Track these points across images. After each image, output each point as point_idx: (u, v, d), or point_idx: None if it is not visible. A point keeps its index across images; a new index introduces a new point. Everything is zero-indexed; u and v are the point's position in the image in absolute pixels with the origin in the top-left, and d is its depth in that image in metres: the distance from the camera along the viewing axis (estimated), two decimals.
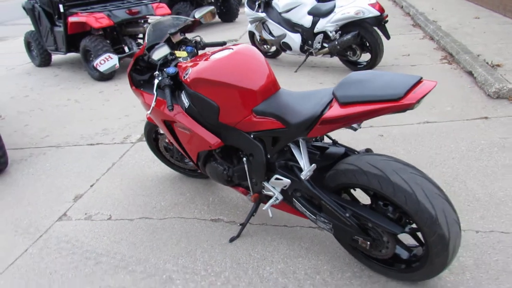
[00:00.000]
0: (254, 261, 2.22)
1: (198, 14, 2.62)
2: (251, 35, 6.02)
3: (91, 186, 3.11)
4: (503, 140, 3.15)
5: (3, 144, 3.29)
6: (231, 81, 1.98)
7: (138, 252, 2.36)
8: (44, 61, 6.79)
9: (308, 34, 5.15)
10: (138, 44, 6.15)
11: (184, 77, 2.15)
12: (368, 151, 2.06)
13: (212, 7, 2.66)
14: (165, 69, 2.27)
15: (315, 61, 5.70)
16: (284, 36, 5.35)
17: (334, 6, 4.81)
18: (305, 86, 4.81)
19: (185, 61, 2.32)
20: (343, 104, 1.68)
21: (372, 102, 1.59)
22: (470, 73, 4.57)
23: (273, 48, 5.90)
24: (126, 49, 5.94)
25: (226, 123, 2.08)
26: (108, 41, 5.78)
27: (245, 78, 1.98)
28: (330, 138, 2.16)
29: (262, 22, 5.61)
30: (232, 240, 2.38)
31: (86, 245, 2.46)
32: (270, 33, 5.57)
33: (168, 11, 6.39)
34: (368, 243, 1.84)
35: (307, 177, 1.88)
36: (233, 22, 9.42)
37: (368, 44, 4.78)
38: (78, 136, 4.03)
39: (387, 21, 4.68)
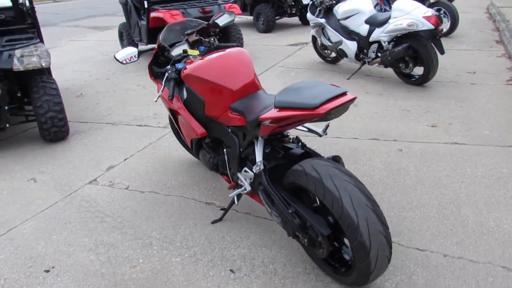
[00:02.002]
0: (224, 243, 2.47)
1: (220, 22, 2.93)
2: (314, 39, 6.17)
3: (125, 160, 3.61)
4: None
5: (66, 116, 3.94)
6: (213, 79, 2.25)
7: (136, 219, 2.76)
8: None
9: (364, 43, 5.16)
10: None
11: (183, 72, 2.47)
12: (335, 159, 2.18)
13: (232, 18, 2.95)
14: (176, 64, 2.61)
15: (372, 70, 5.66)
16: (340, 43, 5.42)
17: (389, 17, 4.77)
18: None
19: (194, 59, 2.64)
20: (277, 108, 1.85)
21: (295, 109, 1.75)
22: None
23: (333, 54, 5.98)
24: None
25: (210, 116, 2.36)
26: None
27: (225, 78, 2.24)
28: (299, 141, 2.30)
29: (321, 28, 5.73)
30: (214, 222, 2.65)
31: (100, 206, 2.92)
32: (329, 39, 5.67)
33: (240, 11, 6.80)
34: (306, 240, 1.99)
35: (257, 171, 2.08)
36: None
37: (421, 58, 4.66)
38: (132, 117, 4.61)
39: (442, 35, 4.52)
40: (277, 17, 9.30)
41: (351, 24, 5.29)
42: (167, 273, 2.25)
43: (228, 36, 6.61)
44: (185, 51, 2.71)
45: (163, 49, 2.80)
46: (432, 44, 4.58)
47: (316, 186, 1.84)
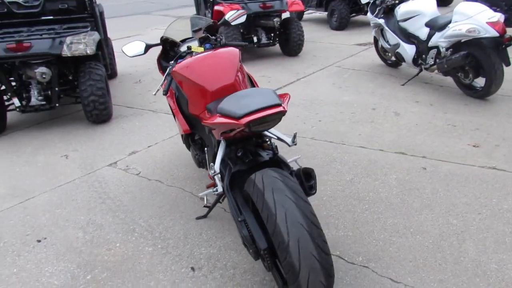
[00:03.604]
0: (198, 240, 2.49)
1: (233, 22, 2.92)
2: (375, 41, 5.82)
3: (148, 147, 3.80)
4: None
5: (108, 100, 4.26)
6: (193, 78, 2.26)
7: (132, 204, 2.90)
8: None
9: (422, 47, 4.76)
10: (269, 37, 6.65)
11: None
12: (306, 171, 2.07)
13: (243, 20, 2.93)
14: (178, 60, 2.67)
15: (434, 77, 5.19)
16: (398, 46, 5.06)
17: (450, 21, 4.32)
18: (399, 103, 4.52)
19: None
20: (218, 114, 1.80)
21: (226, 117, 1.68)
22: None
23: (394, 57, 5.59)
24: (255, 39, 6.50)
25: (192, 113, 2.38)
26: (241, 30, 6.46)
27: (204, 78, 2.24)
28: (273, 150, 2.20)
29: (380, 29, 5.39)
30: (198, 218, 2.69)
31: (107, 188, 3.13)
32: (387, 42, 5.32)
33: (302, 8, 6.65)
34: (251, 251, 1.92)
35: (213, 174, 2.05)
36: None
37: (483, 68, 4.15)
38: None
39: (509, 44, 3.97)
40: (352, 15, 8.93)
41: (410, 26, 4.89)
42: (134, 261, 2.35)
43: (289, 32, 6.53)
44: (189, 48, 2.75)
45: (174, 44, 2.87)
46: (497, 54, 4.05)
47: (258, 197, 1.77)
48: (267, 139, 2.31)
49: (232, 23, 2.95)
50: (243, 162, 2.11)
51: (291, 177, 1.85)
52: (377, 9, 5.31)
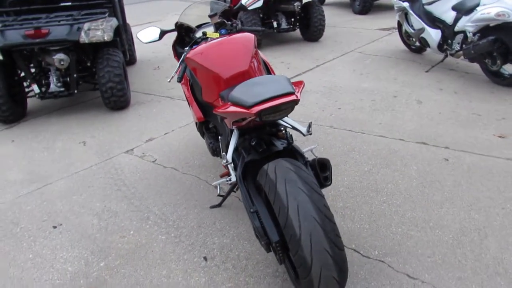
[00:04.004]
0: (211, 229, 2.47)
1: (250, 7, 2.83)
2: (399, 25, 5.63)
3: (165, 134, 3.79)
4: None
5: (125, 87, 4.25)
6: (207, 65, 2.21)
7: (146, 192, 2.90)
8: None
9: (448, 32, 4.57)
10: (289, 22, 6.51)
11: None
12: (321, 161, 2.01)
13: (260, 4, 2.83)
14: (194, 46, 2.62)
15: (460, 64, 4.99)
16: (422, 30, 4.87)
17: (478, 4, 4.11)
18: (422, 90, 4.36)
19: None
20: (230, 103, 1.74)
21: (238, 105, 1.62)
22: None
23: (418, 43, 5.39)
24: (275, 24, 6.37)
25: (206, 101, 2.33)
26: (260, 15, 6.35)
27: (218, 64, 2.18)
28: (287, 139, 2.13)
29: (404, 13, 5.19)
30: (212, 207, 2.66)
31: (123, 175, 3.13)
32: (412, 26, 5.13)
33: None
34: (263, 243, 1.88)
35: (225, 164, 2.01)
36: None
37: None
38: None
39: None
40: None
41: (436, 9, 4.70)
42: (147, 249, 2.35)
43: (309, 17, 6.38)
44: (204, 33, 2.69)
45: (189, 29, 2.82)
46: None
47: (270, 189, 1.72)
48: (282, 128, 2.24)
49: (249, 8, 2.86)
50: (257, 152, 2.06)
51: (305, 168, 1.79)
52: None
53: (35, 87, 4.17)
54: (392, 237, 2.30)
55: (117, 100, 4.24)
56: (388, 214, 2.49)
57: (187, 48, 2.62)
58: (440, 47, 4.74)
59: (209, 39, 2.65)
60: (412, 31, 5.09)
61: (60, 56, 3.95)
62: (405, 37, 5.60)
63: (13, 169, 3.35)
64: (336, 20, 8.11)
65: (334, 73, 5.12)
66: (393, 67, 5.14)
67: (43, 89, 4.23)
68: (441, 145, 3.24)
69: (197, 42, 2.68)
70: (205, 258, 2.25)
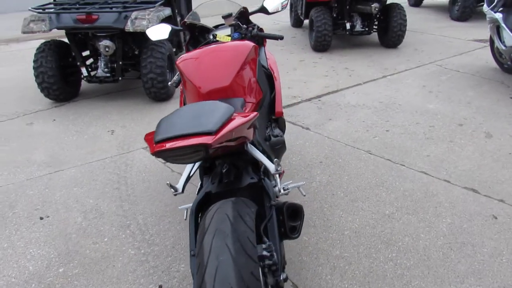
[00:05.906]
0: (182, 253, 2.24)
1: (270, 8, 2.49)
2: (492, 39, 4.76)
3: None
4: None
5: (166, 79, 4.17)
6: (187, 74, 1.95)
7: (141, 196, 2.75)
8: (296, 22, 7.68)
9: None
10: (364, 25, 5.94)
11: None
12: (291, 207, 1.66)
13: (285, 5, 2.47)
14: None
15: None
16: None
17: None
18: (497, 121, 3.62)
19: None
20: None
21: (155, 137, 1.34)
22: None
23: (510, 62, 4.52)
24: (348, 25, 5.84)
25: None
26: (334, 14, 5.87)
27: (197, 75, 1.91)
28: (261, 173, 1.78)
29: (496, 25, 4.36)
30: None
31: (129, 173, 3.03)
32: (503, 42, 4.29)
33: None
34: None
35: (174, 194, 1.73)
36: None
37: None
38: None
39: None
40: (480, 4, 7.54)
41: None
42: (110, 263, 2.19)
43: (389, 20, 5.74)
44: (214, 36, 2.43)
45: (203, 29, 2.58)
46: None
47: (199, 236, 1.42)
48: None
49: (270, 11, 2.51)
50: (220, 182, 1.76)
51: (250, 218, 1.45)
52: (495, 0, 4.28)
53: (84, 70, 4.28)
54: None
55: (157, 92, 4.18)
56: (389, 277, 2.02)
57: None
58: None
59: (219, 42, 2.39)
60: (503, 47, 4.26)
61: (106, 42, 3.99)
62: (497, 54, 4.73)
63: (39, 148, 3.46)
64: (427, 26, 7.24)
65: (399, 87, 4.51)
66: (472, 88, 4.37)
67: (92, 73, 4.33)
68: (495, 196, 2.60)
69: (209, 44, 2.43)
70: (160, 287, 2.03)
